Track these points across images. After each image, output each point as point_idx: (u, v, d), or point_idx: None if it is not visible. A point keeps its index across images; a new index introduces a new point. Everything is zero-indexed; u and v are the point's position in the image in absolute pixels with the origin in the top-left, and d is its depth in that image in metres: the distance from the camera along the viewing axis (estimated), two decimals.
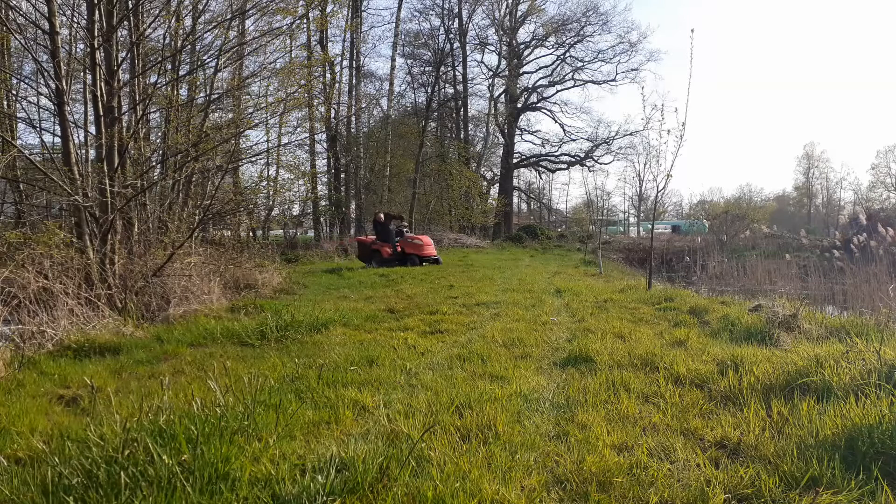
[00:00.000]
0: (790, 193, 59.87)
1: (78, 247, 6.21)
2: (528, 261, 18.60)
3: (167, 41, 10.72)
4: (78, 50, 9.15)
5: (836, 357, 3.54)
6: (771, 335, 4.74)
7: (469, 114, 35.69)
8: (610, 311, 6.95)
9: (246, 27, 11.29)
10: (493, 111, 35.78)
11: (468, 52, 34.03)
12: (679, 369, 3.81)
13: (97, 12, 6.61)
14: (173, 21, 9.51)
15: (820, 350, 3.90)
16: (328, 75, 20.41)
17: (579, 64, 35.37)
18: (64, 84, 6.51)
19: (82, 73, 9.57)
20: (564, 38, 34.98)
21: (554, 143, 36.77)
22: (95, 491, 2.07)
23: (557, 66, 35.79)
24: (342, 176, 24.25)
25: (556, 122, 38.58)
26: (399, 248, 15.34)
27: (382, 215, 16.38)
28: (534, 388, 3.58)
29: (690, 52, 9.05)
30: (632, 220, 46.73)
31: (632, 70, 34.54)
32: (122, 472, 2.11)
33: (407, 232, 16.11)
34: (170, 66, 9.44)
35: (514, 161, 36.64)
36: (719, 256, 14.29)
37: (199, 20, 9.17)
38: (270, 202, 16.57)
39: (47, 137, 11.61)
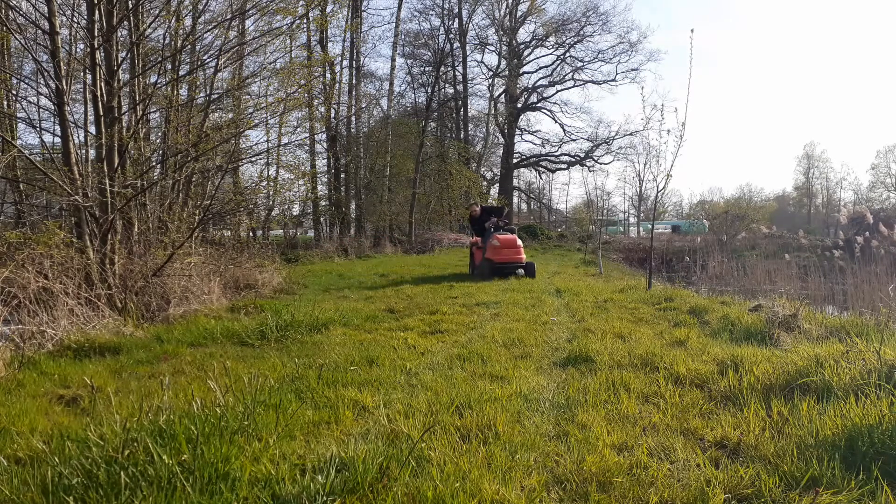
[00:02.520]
0: (790, 193, 59.98)
1: (78, 247, 6.20)
2: None
3: (167, 41, 10.70)
4: (78, 50, 9.14)
5: (836, 357, 3.54)
6: (771, 335, 4.73)
7: (469, 114, 35.75)
8: (610, 311, 6.95)
9: (246, 27, 11.27)
10: (493, 111, 35.81)
11: (468, 52, 34.10)
12: (679, 369, 3.81)
13: (97, 12, 6.60)
14: (173, 21, 9.49)
15: (820, 350, 3.90)
16: (328, 75, 20.39)
17: (579, 64, 35.48)
18: (64, 84, 6.51)
19: (82, 73, 9.55)
20: (564, 38, 35.08)
21: (554, 143, 36.89)
22: (95, 491, 2.07)
23: (557, 66, 35.90)
24: (342, 176, 24.23)
25: (556, 122, 38.79)
26: None
27: (478, 207, 12.48)
28: (534, 388, 3.57)
29: (690, 52, 9.06)
30: (632, 220, 46.73)
31: (632, 70, 34.71)
32: (122, 472, 2.11)
33: (496, 231, 11.59)
34: (170, 66, 9.43)
35: (514, 161, 36.68)
36: (719, 256, 14.27)
37: (199, 20, 9.16)
38: (270, 202, 16.52)
39: (47, 137, 11.62)
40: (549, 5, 56.69)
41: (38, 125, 10.69)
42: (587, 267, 16.96)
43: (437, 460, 2.42)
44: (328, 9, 11.69)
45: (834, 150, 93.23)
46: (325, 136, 22.67)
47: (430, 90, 29.76)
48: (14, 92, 10.53)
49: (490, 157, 38.17)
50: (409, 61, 31.38)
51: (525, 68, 36.64)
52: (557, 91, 36.47)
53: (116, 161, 6.76)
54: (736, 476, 2.29)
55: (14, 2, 7.08)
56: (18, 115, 11.08)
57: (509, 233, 11.68)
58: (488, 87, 36.20)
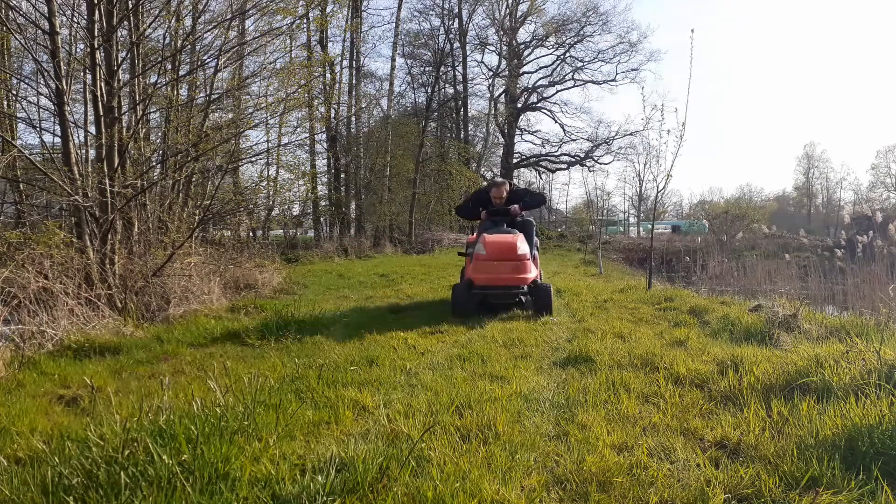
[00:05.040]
0: (790, 193, 60.06)
1: (78, 247, 6.20)
2: None
3: (167, 41, 10.70)
4: (78, 50, 9.14)
5: (836, 357, 3.54)
6: (771, 335, 4.73)
7: (469, 114, 35.73)
8: (610, 311, 6.94)
9: (246, 27, 11.25)
10: (493, 111, 35.81)
11: (468, 52, 34.08)
12: (679, 369, 3.81)
13: (97, 12, 6.60)
14: (173, 21, 9.49)
15: (820, 350, 3.90)
16: (328, 75, 20.39)
17: (579, 64, 35.51)
18: (64, 84, 6.50)
19: (82, 73, 9.54)
20: (564, 39, 35.10)
21: (554, 143, 36.92)
22: (95, 491, 2.07)
23: (557, 66, 35.92)
24: (342, 176, 24.24)
25: (556, 122, 38.75)
26: None
27: (506, 188, 7.29)
28: (534, 387, 3.57)
29: (690, 52, 9.06)
30: (632, 220, 46.74)
31: (632, 70, 34.75)
32: (122, 472, 2.11)
33: (493, 225, 7.00)
34: (170, 66, 9.42)
35: (514, 161, 36.68)
36: (719, 256, 14.28)
37: (199, 20, 9.14)
38: (270, 202, 16.50)
39: (47, 137, 11.60)
40: (550, 5, 56.73)
41: (38, 125, 10.67)
42: (587, 267, 16.97)
43: (437, 460, 2.42)
44: (328, 9, 11.67)
45: (834, 150, 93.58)
46: (325, 136, 22.67)
47: (430, 90, 29.79)
48: (14, 92, 10.52)
49: (490, 157, 38.19)
50: (409, 61, 31.40)
51: (525, 68, 36.68)
52: (557, 91, 36.52)
53: (116, 161, 6.76)
54: (736, 476, 2.29)
55: (14, 2, 7.08)
56: (18, 115, 11.06)
57: (513, 232, 6.75)
58: (488, 87, 36.24)
